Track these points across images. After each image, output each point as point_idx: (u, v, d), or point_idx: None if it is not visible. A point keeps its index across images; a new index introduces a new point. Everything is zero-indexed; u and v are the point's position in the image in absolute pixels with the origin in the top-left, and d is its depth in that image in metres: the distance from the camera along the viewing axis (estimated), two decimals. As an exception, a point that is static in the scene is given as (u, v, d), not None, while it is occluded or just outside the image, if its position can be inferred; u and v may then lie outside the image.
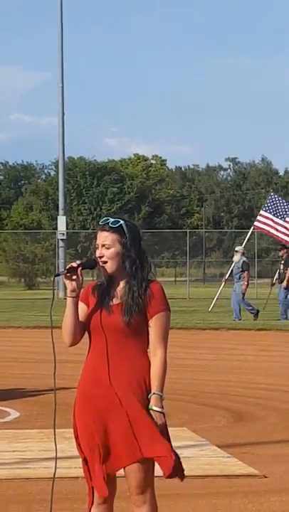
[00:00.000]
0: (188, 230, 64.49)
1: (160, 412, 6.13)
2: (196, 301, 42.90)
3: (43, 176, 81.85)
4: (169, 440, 6.36)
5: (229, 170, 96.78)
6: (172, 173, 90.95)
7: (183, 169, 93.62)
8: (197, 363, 22.68)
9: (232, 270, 39.34)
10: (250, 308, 38.31)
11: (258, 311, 38.78)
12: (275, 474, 11.00)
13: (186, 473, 6.93)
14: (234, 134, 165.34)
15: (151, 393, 6.17)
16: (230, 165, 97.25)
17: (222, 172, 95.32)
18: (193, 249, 54.59)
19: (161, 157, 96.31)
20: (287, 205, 40.67)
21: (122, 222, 6.34)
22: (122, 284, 6.25)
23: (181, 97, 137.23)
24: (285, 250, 39.45)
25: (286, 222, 37.75)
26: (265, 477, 10.75)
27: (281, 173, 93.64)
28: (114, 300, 6.22)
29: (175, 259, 67.65)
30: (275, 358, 27.12)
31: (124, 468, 6.31)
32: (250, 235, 43.80)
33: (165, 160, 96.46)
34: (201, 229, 71.91)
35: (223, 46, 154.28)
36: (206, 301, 40.93)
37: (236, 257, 38.64)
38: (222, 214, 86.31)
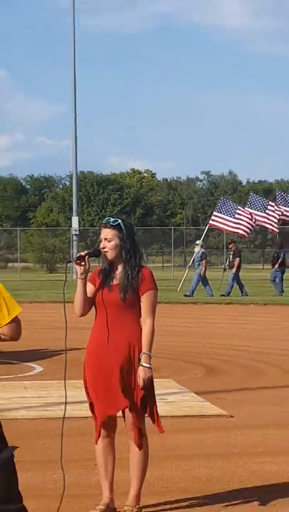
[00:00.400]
0: (172, 227, 66.86)
1: (148, 368, 6.46)
2: (179, 282, 43.39)
3: (61, 186, 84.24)
4: (152, 393, 6.77)
5: (204, 181, 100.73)
6: (160, 183, 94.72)
7: (168, 180, 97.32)
8: (181, 330, 22.71)
9: (194, 259, 38.85)
10: (208, 288, 37.86)
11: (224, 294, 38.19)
12: (239, 414, 11.36)
13: (170, 414, 7.49)
14: (208, 153, 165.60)
15: (142, 353, 6.53)
16: (204, 177, 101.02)
17: (198, 182, 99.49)
18: (176, 242, 55.96)
19: (151, 171, 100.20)
20: (235, 205, 40.57)
21: (120, 221, 6.77)
22: (120, 268, 6.64)
23: (168, 124, 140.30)
24: (234, 244, 39.72)
25: (236, 218, 37.32)
26: (232, 417, 11.14)
27: (244, 183, 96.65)
28: (114, 281, 6.61)
29: (162, 249, 69.81)
30: (243, 325, 27.28)
31: (122, 412, 6.71)
32: (208, 231, 43.95)
33: (155, 173, 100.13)
34: (183, 226, 73.49)
35: (206, 81, 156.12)
36: (186, 282, 41.42)
37: (196, 249, 38.40)
38: (199, 215, 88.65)
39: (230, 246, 41.82)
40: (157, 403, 7.08)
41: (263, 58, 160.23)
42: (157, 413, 7.04)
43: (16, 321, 5.02)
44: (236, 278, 38.03)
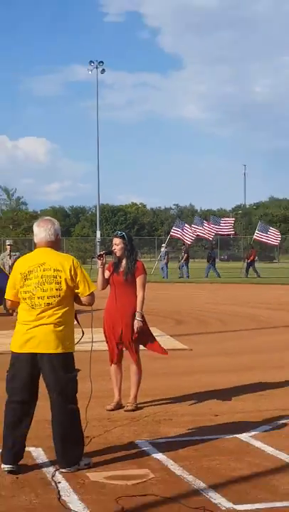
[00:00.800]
0: (156, 237, 73.75)
1: (140, 320, 7.91)
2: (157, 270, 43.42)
3: (90, 212, 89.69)
4: (150, 337, 8.24)
5: (174, 209, 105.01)
6: (148, 211, 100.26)
7: (153, 209, 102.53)
8: (161, 298, 22.53)
9: (160, 256, 43.85)
10: (165, 273, 41.47)
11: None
12: (196, 348, 12.65)
13: (145, 357, 8.70)
14: (177, 191, 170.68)
15: (137, 311, 7.94)
16: (176, 206, 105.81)
17: (172, 211, 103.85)
18: (158, 246, 59.73)
19: (143, 203, 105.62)
20: (183, 223, 46.65)
21: (124, 233, 8.31)
22: (124, 262, 8.03)
23: (155, 176, 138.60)
24: (185, 248, 43.54)
25: (185, 232, 44.34)
26: (191, 350, 12.52)
27: (198, 210, 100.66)
28: (120, 269, 8.03)
29: (150, 250, 74.98)
30: (199, 296, 30.24)
31: (125, 347, 8.07)
32: (170, 239, 47.66)
33: (146, 204, 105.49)
34: (161, 237, 76.18)
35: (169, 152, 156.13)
36: (156, 270, 43.18)
37: (162, 249, 43.21)
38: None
39: (182, 248, 45.14)
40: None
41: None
42: (159, 345, 8.34)
43: (92, 294, 5.84)
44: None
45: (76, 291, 5.79)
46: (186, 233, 44.58)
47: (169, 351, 11.63)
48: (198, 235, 45.73)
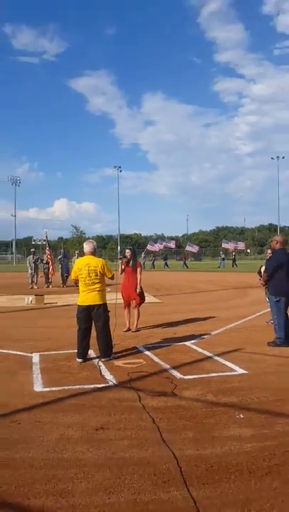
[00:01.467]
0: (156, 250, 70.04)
1: (139, 289, 7.57)
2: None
3: (115, 237, 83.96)
4: (143, 296, 7.74)
5: (154, 235, 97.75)
6: (142, 236, 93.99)
7: (142, 235, 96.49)
8: (148, 278, 22.37)
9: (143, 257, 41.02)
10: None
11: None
12: (167, 302, 12.18)
13: (141, 306, 8.53)
14: (155, 226, 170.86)
15: (138, 284, 7.57)
16: (155, 234, 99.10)
17: (153, 236, 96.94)
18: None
19: (140, 233, 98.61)
20: (154, 243, 47.28)
21: (131, 247, 7.99)
22: (131, 261, 7.67)
23: (144, 219, 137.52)
24: (153, 257, 41.38)
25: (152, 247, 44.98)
26: (163, 302, 11.98)
27: (166, 236, 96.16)
28: (129, 264, 7.64)
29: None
30: (176, 277, 27.24)
31: (132, 298, 7.62)
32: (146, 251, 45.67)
33: (140, 233, 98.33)
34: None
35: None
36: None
37: (140, 258, 39.59)
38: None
39: (151, 253, 44.45)
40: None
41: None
42: (142, 301, 7.71)
43: (112, 276, 5.69)
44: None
45: (107, 273, 5.71)
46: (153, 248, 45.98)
47: (151, 304, 11.64)
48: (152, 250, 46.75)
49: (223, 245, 45.36)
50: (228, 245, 44.98)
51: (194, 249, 47.29)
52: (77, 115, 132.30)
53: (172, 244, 49.21)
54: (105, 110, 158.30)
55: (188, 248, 46.95)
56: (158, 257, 45.08)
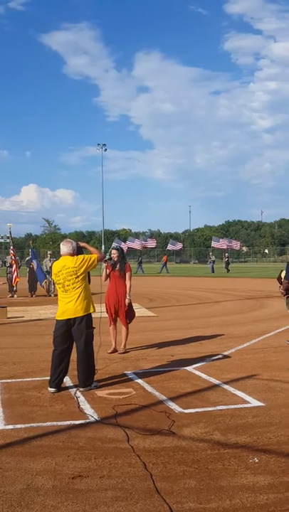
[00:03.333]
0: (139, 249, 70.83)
1: (128, 299, 7.70)
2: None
3: (98, 234, 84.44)
4: (131, 311, 7.86)
5: (148, 232, 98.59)
6: (132, 233, 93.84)
7: (132, 231, 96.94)
8: (139, 286, 22.37)
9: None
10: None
11: None
12: (163, 315, 12.41)
13: (136, 316, 8.71)
14: (149, 221, 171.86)
15: (127, 294, 7.71)
16: (149, 230, 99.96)
17: (146, 233, 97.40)
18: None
19: (130, 228, 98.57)
20: (140, 240, 47.31)
21: (119, 246, 8.17)
22: (118, 264, 7.77)
23: (137, 210, 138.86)
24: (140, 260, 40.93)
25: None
26: (158, 316, 12.28)
27: (162, 232, 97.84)
28: (116, 268, 7.75)
29: (133, 258, 71.76)
30: (171, 284, 27.64)
31: (118, 315, 7.77)
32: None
33: (131, 229, 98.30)
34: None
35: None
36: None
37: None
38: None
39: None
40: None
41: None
42: (132, 317, 7.89)
43: (98, 256, 5.77)
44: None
45: (87, 264, 5.71)
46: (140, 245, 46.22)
47: (144, 318, 11.86)
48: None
49: (213, 244, 44.72)
50: (219, 244, 44.42)
51: (177, 247, 47.38)
52: (52, 80, 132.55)
53: (151, 243, 48.72)
54: (87, 73, 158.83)
55: (169, 247, 46.90)
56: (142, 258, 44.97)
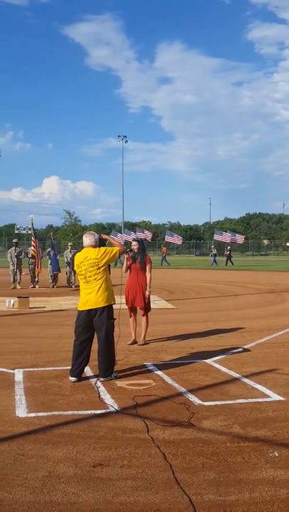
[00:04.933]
0: (156, 241, 68.77)
1: (149, 291, 7.73)
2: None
3: (118, 226, 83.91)
4: (149, 301, 7.87)
5: (168, 224, 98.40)
6: (152, 225, 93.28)
7: (152, 223, 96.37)
8: (159, 277, 22.25)
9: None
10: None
11: None
12: (182, 308, 12.35)
13: (155, 307, 8.66)
14: (169, 213, 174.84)
15: (147, 285, 7.73)
16: (168, 222, 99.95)
17: (166, 225, 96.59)
18: (158, 247, 56.69)
19: (150, 220, 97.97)
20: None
21: (139, 239, 8.18)
22: (139, 256, 7.78)
23: (157, 202, 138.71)
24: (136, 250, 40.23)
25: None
26: (177, 308, 12.21)
27: (182, 225, 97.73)
28: (137, 260, 7.76)
29: (153, 250, 70.96)
30: (191, 276, 27.41)
31: (138, 307, 7.83)
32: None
33: (151, 221, 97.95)
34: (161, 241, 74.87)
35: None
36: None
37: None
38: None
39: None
40: (150, 304, 8.06)
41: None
42: (148, 309, 7.88)
43: (119, 250, 5.84)
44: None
45: (108, 256, 5.73)
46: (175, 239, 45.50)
47: (163, 310, 11.88)
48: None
49: (216, 237, 44.23)
50: (222, 237, 43.94)
51: (176, 239, 46.64)
52: (74, 72, 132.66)
53: (147, 236, 48.15)
54: (109, 65, 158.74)
55: (167, 239, 46.26)
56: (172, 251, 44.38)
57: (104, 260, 5.72)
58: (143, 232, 46.16)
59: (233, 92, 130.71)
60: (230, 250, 39.73)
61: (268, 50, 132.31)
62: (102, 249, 5.78)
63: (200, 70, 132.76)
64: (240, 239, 46.48)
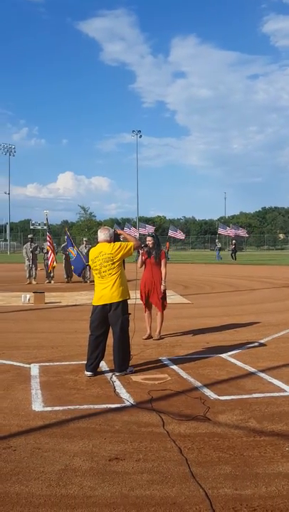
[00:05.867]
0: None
1: (164, 286, 7.73)
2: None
3: (132, 221, 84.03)
4: (165, 297, 7.85)
5: (183, 219, 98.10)
6: (166, 220, 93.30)
7: (167, 218, 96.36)
8: (174, 273, 22.07)
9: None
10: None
11: None
12: (197, 302, 12.35)
13: (170, 302, 8.54)
14: (183, 208, 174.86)
15: (162, 280, 7.74)
16: (183, 217, 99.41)
17: (180, 220, 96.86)
18: (172, 242, 56.98)
19: (164, 215, 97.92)
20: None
21: (154, 234, 8.11)
22: (154, 251, 7.79)
23: (171, 197, 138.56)
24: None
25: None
26: (192, 303, 12.20)
27: (197, 220, 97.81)
28: (152, 255, 7.76)
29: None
30: (205, 271, 27.41)
31: (154, 303, 7.83)
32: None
33: (165, 216, 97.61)
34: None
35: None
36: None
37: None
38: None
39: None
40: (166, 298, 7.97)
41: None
42: (165, 306, 7.89)
43: (133, 245, 5.79)
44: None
45: (124, 251, 5.72)
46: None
47: (178, 304, 11.88)
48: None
49: (220, 231, 43.98)
50: (227, 231, 43.70)
51: (179, 234, 46.33)
52: (89, 67, 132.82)
53: (145, 229, 47.87)
54: (123, 60, 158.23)
55: (170, 233, 46.03)
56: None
57: (120, 255, 5.72)
58: (130, 228, 46.18)
59: (248, 85, 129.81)
60: (235, 245, 39.54)
61: (283, 43, 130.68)
62: (117, 244, 5.78)
63: (215, 63, 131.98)
64: (243, 233, 46.30)
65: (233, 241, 40.70)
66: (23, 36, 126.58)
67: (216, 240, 41.75)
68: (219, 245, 39.74)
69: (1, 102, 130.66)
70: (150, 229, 46.86)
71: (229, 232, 43.33)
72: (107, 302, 5.66)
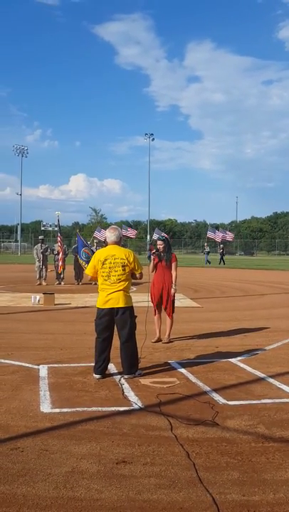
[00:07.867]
0: (182, 239, 69.46)
1: (174, 289, 7.76)
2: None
3: (144, 224, 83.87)
4: (174, 300, 7.89)
5: (194, 223, 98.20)
6: (178, 223, 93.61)
7: (178, 221, 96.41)
8: (185, 276, 22.16)
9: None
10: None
11: None
12: (207, 306, 12.36)
13: (180, 306, 8.58)
14: (195, 212, 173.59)
15: (172, 283, 7.78)
16: (194, 221, 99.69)
17: (192, 223, 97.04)
18: (184, 245, 56.75)
19: (175, 218, 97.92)
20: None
21: (164, 237, 8.15)
22: (166, 254, 7.81)
23: (183, 200, 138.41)
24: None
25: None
26: (202, 307, 12.20)
27: (208, 223, 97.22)
28: (163, 258, 7.80)
29: (178, 248, 70.16)
30: (215, 275, 27.37)
31: (163, 307, 7.87)
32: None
33: (176, 219, 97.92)
34: (186, 239, 74.28)
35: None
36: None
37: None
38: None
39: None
40: (175, 302, 8.11)
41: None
42: (173, 310, 7.92)
43: (141, 273, 5.84)
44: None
45: (133, 271, 5.81)
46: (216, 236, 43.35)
47: (188, 308, 11.88)
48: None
49: (209, 235, 43.68)
50: (215, 235, 43.37)
51: (227, 236, 46.07)
52: (104, 70, 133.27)
53: (131, 234, 47.65)
54: (138, 64, 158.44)
55: (156, 237, 45.93)
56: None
57: (132, 266, 5.74)
58: (126, 230, 46.07)
59: (263, 90, 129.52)
60: (223, 249, 39.55)
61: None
62: (133, 256, 5.77)
63: (229, 68, 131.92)
64: (230, 237, 46.10)
65: (221, 245, 40.59)
66: (39, 39, 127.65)
67: (205, 244, 41.53)
68: (208, 249, 39.60)
69: (17, 103, 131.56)
70: (132, 232, 46.94)
71: (216, 236, 43.07)
72: (114, 306, 5.64)
